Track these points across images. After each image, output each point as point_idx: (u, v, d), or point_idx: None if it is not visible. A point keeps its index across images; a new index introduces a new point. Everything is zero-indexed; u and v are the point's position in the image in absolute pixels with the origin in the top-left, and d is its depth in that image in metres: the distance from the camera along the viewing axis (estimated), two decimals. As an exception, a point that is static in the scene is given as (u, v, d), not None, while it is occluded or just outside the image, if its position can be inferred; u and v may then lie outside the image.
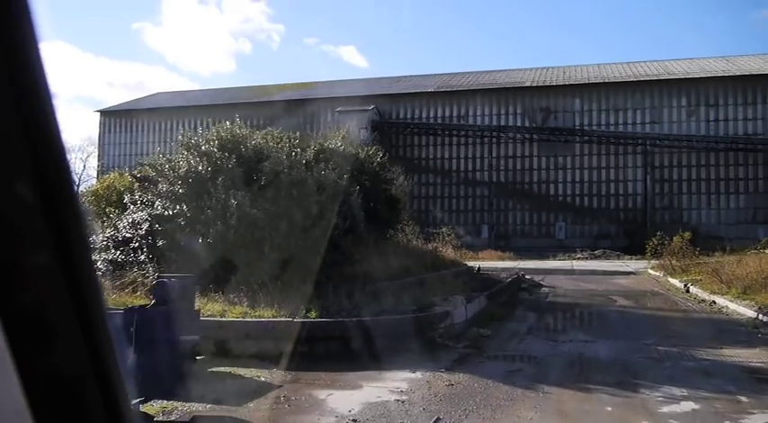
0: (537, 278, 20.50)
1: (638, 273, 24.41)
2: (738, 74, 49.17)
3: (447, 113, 52.65)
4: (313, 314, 8.63)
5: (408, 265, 12.97)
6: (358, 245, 12.04)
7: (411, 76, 59.58)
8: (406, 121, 52.78)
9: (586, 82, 51.38)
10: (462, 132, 51.01)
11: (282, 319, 8.34)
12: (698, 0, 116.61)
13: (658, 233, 24.36)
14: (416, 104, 53.09)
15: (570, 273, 26.15)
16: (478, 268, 18.73)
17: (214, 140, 11.94)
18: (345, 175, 12.74)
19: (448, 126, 51.55)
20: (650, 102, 49.82)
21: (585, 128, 49.94)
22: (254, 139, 12.49)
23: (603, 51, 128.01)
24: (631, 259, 35.37)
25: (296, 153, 12.26)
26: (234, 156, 11.49)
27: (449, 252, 20.33)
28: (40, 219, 1.00)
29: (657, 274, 22.33)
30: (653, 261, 31.25)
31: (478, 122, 51.54)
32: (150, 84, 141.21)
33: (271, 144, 12.82)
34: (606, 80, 51.35)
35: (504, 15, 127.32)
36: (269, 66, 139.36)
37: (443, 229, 29.56)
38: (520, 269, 26.72)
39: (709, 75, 49.72)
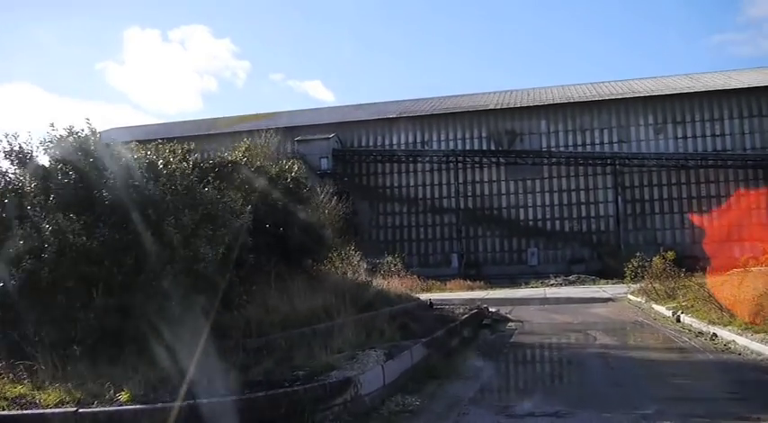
0: (504, 310, 17.40)
1: (616, 299, 21.43)
2: (703, 90, 47.68)
3: (411, 139, 50.10)
4: (125, 396, 5.38)
5: (328, 305, 9.75)
6: (248, 282, 8.85)
7: (373, 103, 57.17)
8: (368, 148, 50.06)
9: (551, 102, 49.43)
10: (426, 158, 48.39)
11: (64, 409, 5.08)
12: (655, 24, 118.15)
13: (638, 254, 21.44)
14: (379, 131, 50.47)
15: (543, 302, 23.13)
16: (430, 303, 15.56)
17: (53, 147, 8.74)
18: (240, 193, 9.65)
19: (411, 152, 48.90)
20: (617, 120, 47.96)
21: (553, 149, 47.76)
22: (120, 151, 9.26)
23: (567, 73, 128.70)
24: (608, 283, 32.61)
25: (169, 165, 9.10)
26: (74, 169, 8.29)
27: (396, 285, 17.22)
28: None
29: (639, 299, 19.33)
30: (632, 285, 28.49)
31: (443, 147, 49.04)
32: (116, 123, 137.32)
33: (150, 157, 9.61)
34: (571, 100, 49.48)
35: (467, 39, 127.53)
36: (235, 102, 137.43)
37: (388, 258, 26.45)
38: (487, 300, 23.65)
39: (674, 91, 48.19)
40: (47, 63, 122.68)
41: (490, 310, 16.48)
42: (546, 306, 19.56)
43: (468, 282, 33.69)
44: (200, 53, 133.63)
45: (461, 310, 14.27)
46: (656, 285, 18.27)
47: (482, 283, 34.33)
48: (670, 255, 19.30)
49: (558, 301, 22.84)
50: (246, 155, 12.29)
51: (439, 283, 32.55)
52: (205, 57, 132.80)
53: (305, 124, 50.93)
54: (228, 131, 51.61)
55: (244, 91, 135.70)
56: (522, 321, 15.23)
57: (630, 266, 20.64)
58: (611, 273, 39.02)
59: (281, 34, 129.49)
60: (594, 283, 33.08)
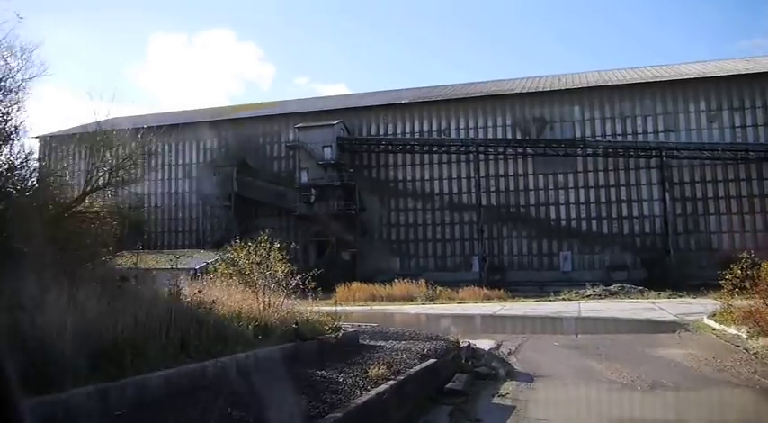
0: (509, 344, 10.78)
1: (687, 325, 14.40)
2: (764, 71, 39.98)
3: (426, 128, 43.69)
4: None
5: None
6: None
7: (386, 90, 50.92)
8: (378, 137, 43.79)
9: (586, 86, 42.35)
10: (444, 148, 41.89)
11: None
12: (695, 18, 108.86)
13: (746, 261, 12.65)
14: (391, 118, 44.18)
15: (576, 326, 16.55)
16: (337, 335, 8.30)
17: None
18: None
19: (427, 141, 42.47)
20: (663, 107, 40.64)
21: (588, 139, 40.72)
22: None
23: (602, 61, 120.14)
24: (659, 296, 25.57)
25: None
26: None
27: (277, 303, 9.83)
28: None
29: (733, 331, 12.15)
30: (699, 299, 21.48)
31: (462, 136, 42.45)
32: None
33: None
34: (609, 83, 42.32)
35: (497, 25, 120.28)
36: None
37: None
38: (495, 317, 17.25)
39: (730, 73, 40.63)
40: (75, 66, 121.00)
41: (481, 346, 10.03)
42: (580, 338, 12.87)
43: (486, 290, 27.10)
44: (224, 57, 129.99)
45: (422, 348, 7.89)
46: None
47: (503, 291, 27.65)
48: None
49: (597, 325, 16.15)
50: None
51: (450, 290, 26.14)
52: (230, 60, 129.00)
53: (311, 110, 45.01)
54: (232, 118, 46.36)
55: (269, 94, 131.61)
56: (531, 380, 8.02)
57: (731, 276, 12.37)
58: (656, 282, 32.02)
59: (304, 38, 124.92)
60: (643, 296, 26.07)
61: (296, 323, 7.27)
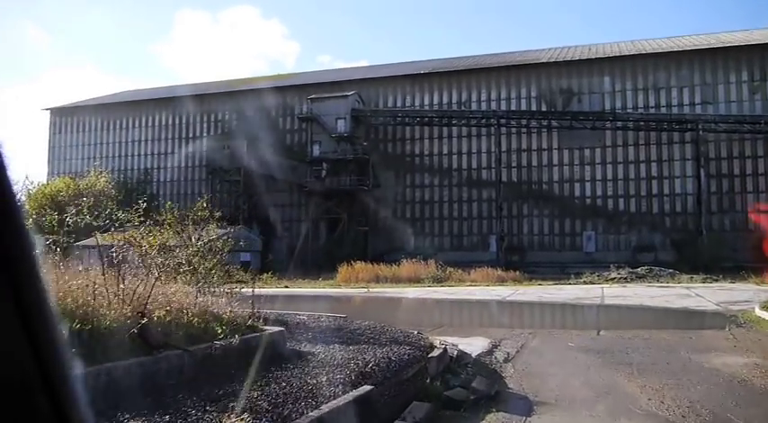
0: (509, 343, 8.74)
1: (733, 316, 12.03)
2: (815, 38, 36.39)
3: (446, 99, 41.18)
4: None
5: None
6: None
7: (405, 62, 48.28)
8: (394, 108, 41.40)
9: (618, 55, 39.21)
10: (463, 121, 39.38)
11: None
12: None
13: None
14: (408, 90, 41.72)
15: (597, 315, 14.40)
16: (247, 337, 5.72)
17: None
18: None
19: (445, 113, 39.96)
20: (701, 77, 37.41)
21: (618, 111, 37.76)
22: None
23: (635, 33, 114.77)
24: (693, 280, 23.10)
25: None
26: None
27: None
28: None
29: None
30: (739, 283, 19.17)
31: (483, 108, 39.83)
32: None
33: None
34: (643, 52, 39.11)
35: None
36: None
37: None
38: (503, 304, 15.26)
39: (776, 40, 37.07)
40: (102, 45, 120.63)
41: (468, 350, 7.83)
42: (603, 336, 10.04)
43: (500, 272, 24.88)
44: (249, 34, 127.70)
45: (370, 360, 5.66)
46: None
47: (519, 273, 25.43)
48: None
49: (624, 317, 13.93)
50: None
51: (461, 272, 23.98)
52: (254, 38, 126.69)
53: (326, 81, 42.78)
54: (243, 89, 44.39)
55: (293, 72, 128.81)
56: (528, 410, 5.41)
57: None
58: (686, 265, 29.44)
59: (329, 14, 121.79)
60: (674, 279, 23.62)
61: (141, 317, 4.34)
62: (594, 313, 14.34)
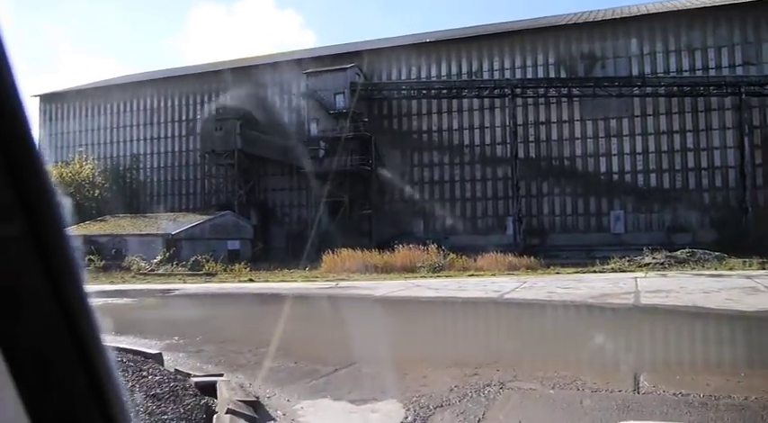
0: (450, 420, 4.23)
1: None
2: None
3: (455, 70, 37.19)
4: None
5: None
6: None
7: (408, 34, 44.24)
8: (398, 81, 37.57)
9: (646, 13, 34.71)
10: (474, 92, 35.37)
11: None
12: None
13: None
14: (414, 61, 37.81)
15: (627, 337, 10.06)
16: None
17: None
18: None
19: (454, 84, 35.99)
20: (742, 35, 32.76)
21: (648, 76, 33.37)
22: None
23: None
24: (748, 266, 19.00)
25: None
26: None
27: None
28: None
29: None
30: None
31: (496, 78, 35.76)
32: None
33: None
34: (674, 9, 34.52)
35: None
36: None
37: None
38: (499, 303, 11.70)
39: (831, -10, 32.16)
40: (117, 41, 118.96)
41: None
42: (645, 392, 5.03)
43: (512, 257, 21.03)
44: (265, 25, 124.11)
45: None
46: None
47: (535, 259, 21.57)
48: None
49: (672, 332, 8.75)
50: None
51: (467, 258, 20.25)
52: (270, 29, 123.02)
53: (325, 55, 39.15)
54: (236, 66, 40.97)
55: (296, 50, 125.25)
56: None
57: None
58: (728, 246, 25.24)
59: (344, 3, 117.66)
60: (723, 265, 19.57)
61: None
62: (626, 328, 9.73)
